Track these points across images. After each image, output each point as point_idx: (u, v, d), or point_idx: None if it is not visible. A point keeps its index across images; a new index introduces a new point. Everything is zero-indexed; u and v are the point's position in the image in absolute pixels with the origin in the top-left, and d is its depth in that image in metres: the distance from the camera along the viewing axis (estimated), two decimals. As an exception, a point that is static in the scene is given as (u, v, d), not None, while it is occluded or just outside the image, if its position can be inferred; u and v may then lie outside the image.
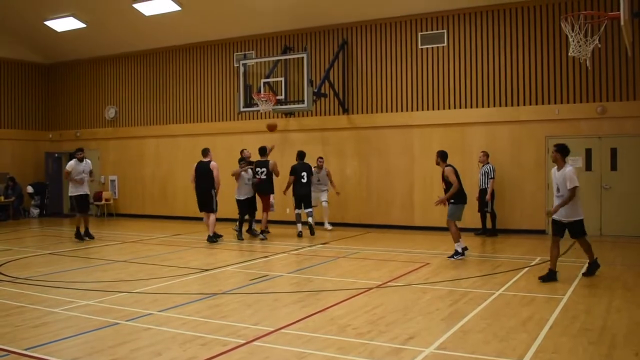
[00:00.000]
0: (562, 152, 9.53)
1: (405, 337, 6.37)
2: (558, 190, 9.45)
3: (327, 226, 16.69)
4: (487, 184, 14.78)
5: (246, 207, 15.08)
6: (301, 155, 16.10)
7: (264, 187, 15.26)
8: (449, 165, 11.68)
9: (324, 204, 16.58)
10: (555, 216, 9.56)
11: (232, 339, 6.35)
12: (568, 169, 9.36)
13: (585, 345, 6.05)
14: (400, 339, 6.31)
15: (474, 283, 9.32)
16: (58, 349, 6.11)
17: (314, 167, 16.28)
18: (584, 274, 9.71)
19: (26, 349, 6.06)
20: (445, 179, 11.58)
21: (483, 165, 14.98)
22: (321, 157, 16.80)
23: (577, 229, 9.54)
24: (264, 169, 15.19)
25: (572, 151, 14.86)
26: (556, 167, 9.59)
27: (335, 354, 5.85)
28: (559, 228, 9.60)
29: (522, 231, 15.36)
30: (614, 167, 14.85)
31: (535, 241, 14.10)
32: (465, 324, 6.87)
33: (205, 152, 14.69)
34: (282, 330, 6.66)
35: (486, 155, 15.09)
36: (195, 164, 14.65)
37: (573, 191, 9.23)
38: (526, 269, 10.43)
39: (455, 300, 8.10)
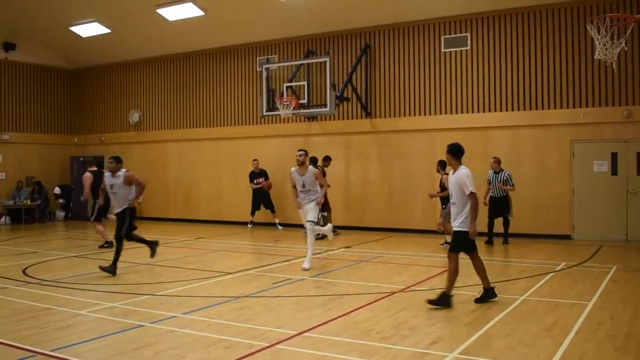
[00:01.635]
0: (453, 153, 8.22)
1: (429, 341, 6.34)
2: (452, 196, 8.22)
3: (305, 264, 11.14)
4: (503, 191, 13.96)
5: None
6: (314, 160, 16.18)
7: None
8: (447, 174, 12.22)
9: (307, 225, 11.35)
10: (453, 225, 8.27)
11: (255, 341, 6.36)
12: (462, 171, 8.04)
13: (610, 351, 5.98)
14: (424, 343, 6.28)
15: (498, 288, 9.22)
16: (83, 350, 6.17)
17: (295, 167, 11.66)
18: (475, 300, 8.23)
19: (52, 350, 6.13)
20: (441, 185, 13.26)
21: (496, 173, 14.07)
22: (302, 150, 11.74)
23: (455, 241, 8.25)
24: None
25: (598, 155, 14.95)
26: (452, 170, 8.28)
27: (358, 357, 5.84)
28: None
29: (546, 236, 15.21)
30: (640, 171, 14.69)
31: (559, 246, 13.97)
32: (489, 329, 6.82)
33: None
34: (306, 334, 6.67)
35: (498, 162, 14.20)
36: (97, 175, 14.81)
37: (474, 197, 7.89)
38: (551, 274, 10.32)
39: (479, 305, 8.05)
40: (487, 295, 8.25)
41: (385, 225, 17.18)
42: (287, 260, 12.30)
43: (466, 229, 8.03)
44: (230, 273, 10.78)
